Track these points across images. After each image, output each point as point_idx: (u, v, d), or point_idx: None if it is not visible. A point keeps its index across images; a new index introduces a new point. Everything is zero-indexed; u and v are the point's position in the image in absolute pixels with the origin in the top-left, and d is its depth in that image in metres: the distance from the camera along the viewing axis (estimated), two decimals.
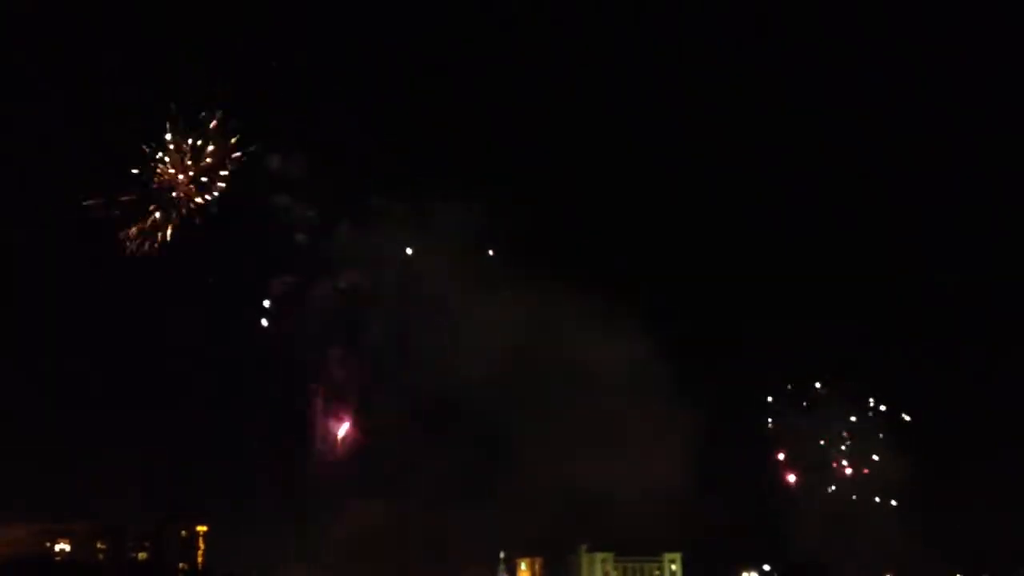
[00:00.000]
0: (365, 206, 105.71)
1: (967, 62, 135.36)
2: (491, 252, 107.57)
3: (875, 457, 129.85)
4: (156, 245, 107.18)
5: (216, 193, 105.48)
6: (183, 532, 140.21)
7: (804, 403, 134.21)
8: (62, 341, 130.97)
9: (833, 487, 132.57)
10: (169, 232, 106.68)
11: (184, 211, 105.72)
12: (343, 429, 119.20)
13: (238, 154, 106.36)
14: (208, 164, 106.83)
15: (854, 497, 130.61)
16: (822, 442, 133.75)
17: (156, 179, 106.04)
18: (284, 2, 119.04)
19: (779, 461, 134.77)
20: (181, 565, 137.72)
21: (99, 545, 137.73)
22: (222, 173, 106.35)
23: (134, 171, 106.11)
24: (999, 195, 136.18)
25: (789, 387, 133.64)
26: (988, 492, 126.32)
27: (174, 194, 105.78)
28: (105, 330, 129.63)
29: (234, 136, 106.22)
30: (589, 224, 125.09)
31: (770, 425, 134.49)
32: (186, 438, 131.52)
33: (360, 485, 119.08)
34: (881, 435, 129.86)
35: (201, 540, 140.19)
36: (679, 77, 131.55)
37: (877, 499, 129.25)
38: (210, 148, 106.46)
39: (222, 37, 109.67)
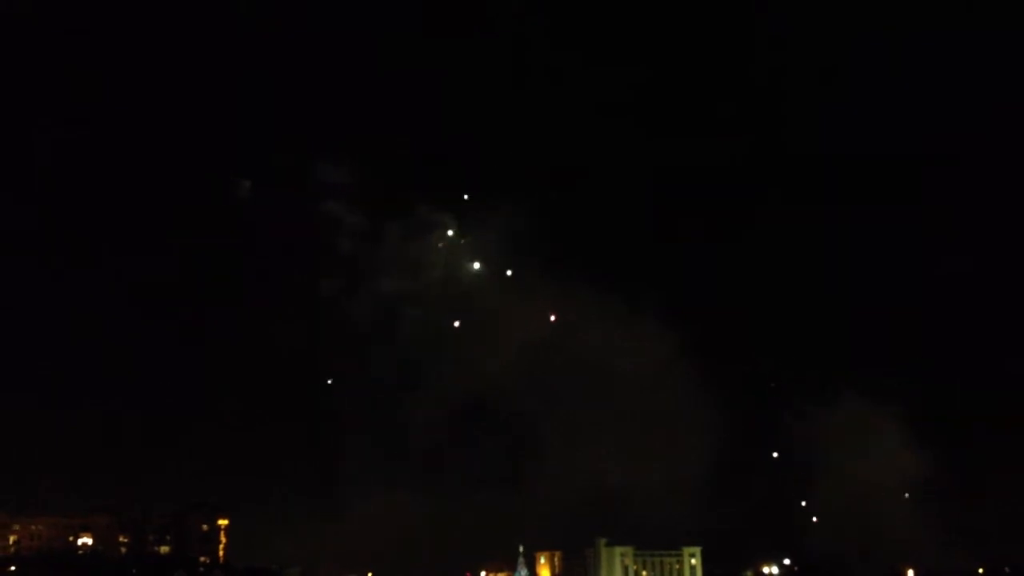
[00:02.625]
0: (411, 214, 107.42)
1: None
2: (522, 256, 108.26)
3: (896, 453, 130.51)
4: None
5: None
6: (204, 525, 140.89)
7: (825, 401, 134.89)
8: (85, 336, 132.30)
9: (853, 483, 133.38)
10: None
11: None
12: None
13: None
14: None
15: (875, 493, 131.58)
16: (842, 438, 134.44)
17: None
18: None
19: (799, 457, 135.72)
20: (202, 558, 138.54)
21: (121, 539, 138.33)
22: None
23: None
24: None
25: (810, 385, 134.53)
26: (1008, 487, 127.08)
27: None
28: (131, 325, 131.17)
29: None
30: (615, 230, 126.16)
31: (791, 422, 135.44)
32: (210, 432, 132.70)
33: (385, 479, 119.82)
34: (901, 432, 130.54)
35: (223, 533, 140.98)
36: (699, 97, 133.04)
37: (898, 495, 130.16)
38: None
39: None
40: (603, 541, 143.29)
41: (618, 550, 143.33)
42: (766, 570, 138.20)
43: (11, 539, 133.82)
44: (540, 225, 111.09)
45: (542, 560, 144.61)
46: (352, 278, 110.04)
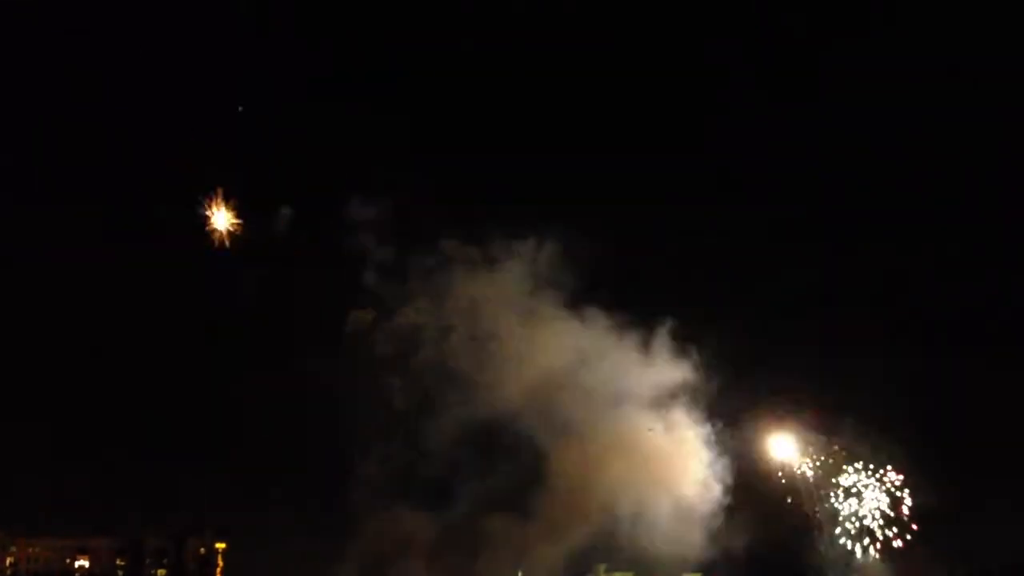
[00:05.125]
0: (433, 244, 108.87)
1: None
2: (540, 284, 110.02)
3: (897, 479, 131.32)
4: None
5: None
6: (202, 549, 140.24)
7: (828, 428, 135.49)
8: (86, 354, 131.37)
9: (855, 511, 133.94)
10: None
11: None
12: None
13: None
14: None
15: (876, 520, 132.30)
16: (845, 467, 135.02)
17: None
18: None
19: (802, 485, 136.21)
20: None
21: (119, 562, 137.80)
22: None
23: None
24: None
25: (812, 411, 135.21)
26: (1011, 512, 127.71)
27: None
28: (130, 343, 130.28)
29: None
30: (623, 260, 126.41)
31: (794, 450, 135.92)
32: (207, 453, 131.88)
33: (391, 503, 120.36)
34: (904, 459, 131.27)
35: (220, 557, 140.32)
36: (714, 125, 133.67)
37: (899, 520, 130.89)
38: None
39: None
40: (602, 568, 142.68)
41: None
42: None
43: (8, 561, 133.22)
44: (559, 252, 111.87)
45: None
46: (370, 305, 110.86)
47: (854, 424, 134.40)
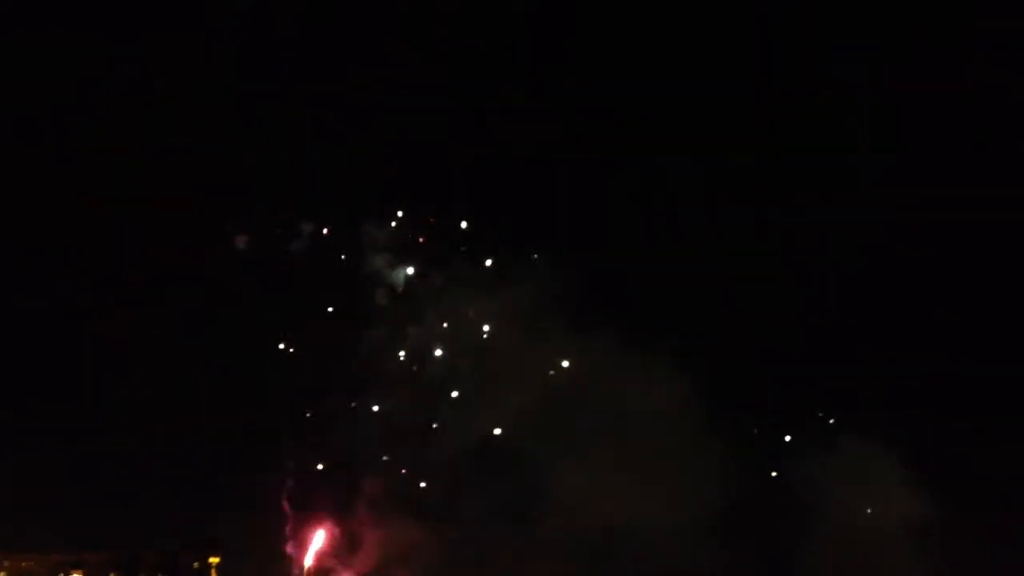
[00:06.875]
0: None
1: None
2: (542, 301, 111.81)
3: (899, 494, 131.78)
4: None
5: None
6: (196, 563, 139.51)
7: (824, 441, 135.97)
8: (73, 363, 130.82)
9: (851, 525, 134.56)
10: None
11: None
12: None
13: None
14: None
15: (878, 534, 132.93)
16: (842, 480, 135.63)
17: None
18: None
19: (797, 500, 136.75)
20: None
21: None
22: None
23: None
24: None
25: (809, 425, 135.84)
26: (1012, 526, 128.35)
27: None
28: (121, 352, 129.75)
29: None
30: (625, 277, 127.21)
31: (790, 465, 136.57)
32: (201, 465, 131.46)
33: (391, 518, 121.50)
34: (904, 472, 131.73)
35: (214, 571, 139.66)
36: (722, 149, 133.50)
37: (901, 536, 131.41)
38: None
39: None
40: None
41: None
42: None
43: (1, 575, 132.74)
44: (561, 271, 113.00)
45: None
46: (375, 323, 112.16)
47: (856, 437, 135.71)
